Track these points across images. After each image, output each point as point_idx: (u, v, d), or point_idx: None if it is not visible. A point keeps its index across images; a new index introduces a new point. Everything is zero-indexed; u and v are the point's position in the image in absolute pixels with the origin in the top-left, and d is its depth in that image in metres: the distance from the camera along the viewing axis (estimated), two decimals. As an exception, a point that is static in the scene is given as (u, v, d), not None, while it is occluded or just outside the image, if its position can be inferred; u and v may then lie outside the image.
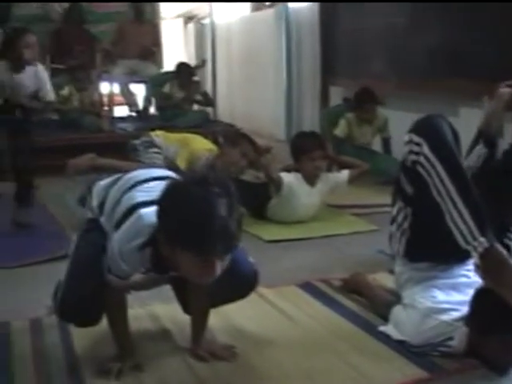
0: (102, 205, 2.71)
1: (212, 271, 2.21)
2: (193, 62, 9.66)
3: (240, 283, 2.70)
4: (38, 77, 5.07)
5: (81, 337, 2.90)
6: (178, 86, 8.00)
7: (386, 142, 6.44)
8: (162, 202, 2.25)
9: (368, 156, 6.08)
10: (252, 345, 2.86)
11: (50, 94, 5.21)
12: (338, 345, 2.85)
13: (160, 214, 2.25)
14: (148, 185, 2.54)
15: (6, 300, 3.48)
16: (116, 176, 2.79)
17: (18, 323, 3.11)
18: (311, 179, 4.86)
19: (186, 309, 2.90)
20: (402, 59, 6.65)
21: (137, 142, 5.13)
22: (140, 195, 2.47)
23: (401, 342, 2.79)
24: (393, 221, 2.94)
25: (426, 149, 2.67)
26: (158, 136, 5.15)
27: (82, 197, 2.92)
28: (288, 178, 4.83)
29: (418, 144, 2.72)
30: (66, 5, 9.15)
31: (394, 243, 2.95)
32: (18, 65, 4.90)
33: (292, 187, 4.82)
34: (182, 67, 8.15)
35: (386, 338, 2.86)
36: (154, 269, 2.49)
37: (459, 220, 2.56)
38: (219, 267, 2.22)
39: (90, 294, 2.54)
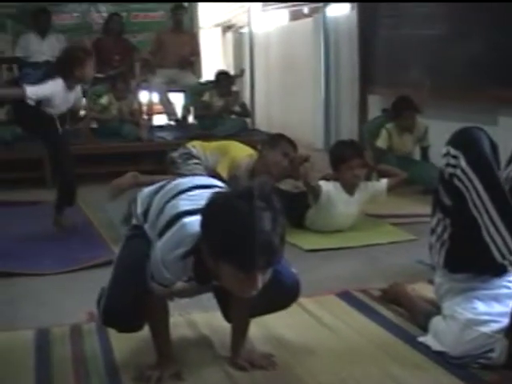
0: (146, 212, 2.73)
1: (253, 285, 2.22)
2: (231, 71, 9.68)
3: (283, 294, 2.69)
4: (77, 92, 5.11)
5: (120, 343, 2.92)
6: (217, 95, 8.02)
7: (425, 151, 6.40)
8: (206, 213, 2.26)
9: (409, 165, 6.05)
10: (290, 354, 2.85)
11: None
12: (377, 354, 2.83)
13: (203, 226, 2.27)
14: (191, 193, 2.55)
15: (46, 306, 3.52)
16: (160, 184, 2.81)
17: (58, 329, 3.14)
18: (350, 188, 4.85)
19: (228, 317, 2.90)
20: (440, 68, 6.61)
21: (175, 154, 5.10)
22: (183, 204, 2.49)
23: (440, 353, 2.77)
24: (432, 232, 2.91)
25: (463, 162, 2.65)
26: (195, 147, 5.12)
27: (126, 216, 2.93)
28: (327, 186, 4.82)
29: (455, 157, 2.70)
30: (105, 15, 9.25)
31: (433, 254, 2.92)
32: (74, 83, 4.92)
33: (330, 196, 4.81)
34: (222, 76, 8.18)
35: (425, 349, 2.83)
36: (197, 278, 2.50)
37: (496, 234, 2.54)
38: (261, 281, 2.22)
39: (132, 301, 2.55)
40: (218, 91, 8.03)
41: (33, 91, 4.69)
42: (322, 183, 4.83)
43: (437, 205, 2.87)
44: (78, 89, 5.10)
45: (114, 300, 2.61)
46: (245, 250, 2.14)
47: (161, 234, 2.46)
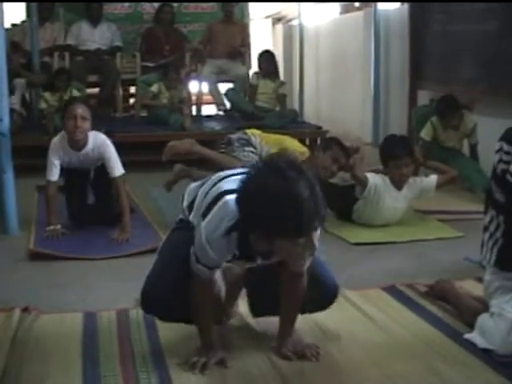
0: (191, 203, 2.76)
1: (310, 247, 2.34)
2: (281, 63, 9.67)
3: (323, 295, 2.80)
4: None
5: (166, 330, 2.95)
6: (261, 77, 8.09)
7: (473, 148, 6.31)
8: (244, 200, 2.33)
9: (455, 159, 6.00)
10: (335, 346, 2.85)
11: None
12: (421, 350, 2.81)
13: (247, 214, 2.32)
14: (235, 177, 2.58)
15: (95, 291, 3.58)
16: (205, 178, 2.84)
17: (105, 313, 3.19)
18: (398, 183, 4.82)
19: (256, 311, 2.96)
20: (492, 64, 6.53)
21: (233, 136, 5.05)
22: (226, 185, 2.53)
23: (487, 351, 2.74)
24: (485, 229, 2.88)
25: None
26: (254, 135, 5.05)
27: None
28: (374, 179, 4.79)
29: (507, 153, 2.67)
30: (156, 4, 9.30)
31: (485, 251, 2.89)
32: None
33: (378, 189, 4.78)
34: (264, 55, 8.20)
35: (471, 346, 2.81)
36: (241, 255, 2.52)
37: None
38: (314, 245, 2.34)
39: (172, 288, 2.61)
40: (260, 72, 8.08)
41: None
42: (370, 175, 4.81)
43: (490, 202, 2.84)
44: None
45: (152, 288, 2.68)
46: (293, 220, 2.23)
47: (204, 215, 2.49)
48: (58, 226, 4.60)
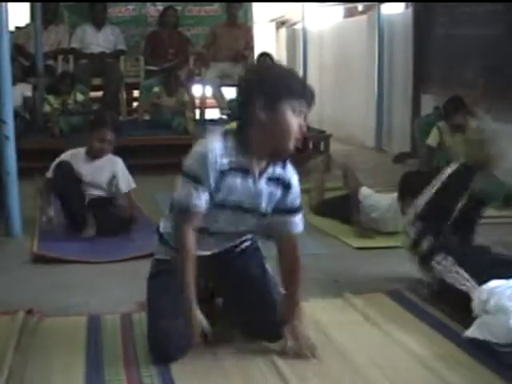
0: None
1: (303, 123, 2.59)
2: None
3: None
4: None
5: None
6: None
7: None
8: (245, 83, 2.67)
9: None
10: (338, 350, 2.85)
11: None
12: (424, 354, 2.81)
13: (249, 90, 2.59)
14: None
15: (98, 294, 3.58)
16: None
17: (109, 317, 3.19)
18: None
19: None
20: (496, 68, 6.53)
21: None
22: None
23: (489, 349, 2.75)
24: None
25: None
26: None
27: None
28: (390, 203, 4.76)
29: None
30: (160, 8, 9.31)
31: None
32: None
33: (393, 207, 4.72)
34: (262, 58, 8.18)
35: (474, 350, 2.81)
36: (240, 158, 2.61)
37: None
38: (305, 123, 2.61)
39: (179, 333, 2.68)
40: None
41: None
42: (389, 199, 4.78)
43: None
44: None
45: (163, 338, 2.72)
46: (297, 81, 2.60)
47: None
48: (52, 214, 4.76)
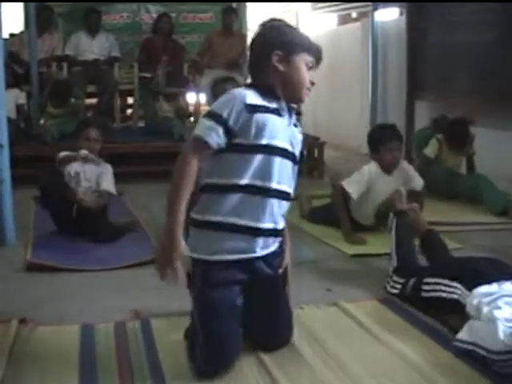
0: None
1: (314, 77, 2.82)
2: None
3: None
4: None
5: (164, 342, 2.96)
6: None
7: (470, 158, 6.31)
8: (262, 35, 2.81)
9: (456, 180, 6.03)
10: (332, 357, 2.84)
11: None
12: (418, 361, 2.81)
13: (269, 41, 2.76)
14: None
15: (92, 302, 3.57)
16: None
17: (103, 326, 3.18)
18: (388, 168, 4.90)
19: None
20: (490, 75, 6.55)
21: None
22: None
23: (482, 358, 2.74)
24: None
25: None
26: None
27: None
28: (368, 166, 4.93)
29: None
30: (155, 15, 9.33)
31: None
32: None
33: (372, 174, 4.88)
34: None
35: (468, 357, 2.80)
36: (269, 100, 2.72)
37: None
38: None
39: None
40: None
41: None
42: (366, 167, 4.93)
43: None
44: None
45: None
46: (308, 40, 2.83)
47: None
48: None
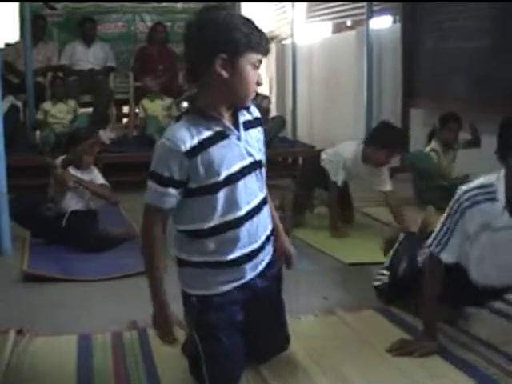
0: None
1: (260, 77, 2.50)
2: (274, 81, 9.67)
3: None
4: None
5: (161, 352, 2.95)
6: None
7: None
8: (205, 40, 2.41)
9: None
10: (329, 367, 2.84)
11: None
12: (415, 371, 2.80)
13: (208, 48, 2.39)
14: None
15: (89, 312, 3.57)
16: None
17: (100, 335, 3.18)
18: (373, 165, 5.14)
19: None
20: (484, 81, 6.57)
21: None
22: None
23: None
24: None
25: None
26: None
27: None
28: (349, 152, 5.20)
29: None
30: (149, 24, 9.34)
31: None
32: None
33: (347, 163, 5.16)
34: None
35: (467, 367, 2.81)
36: (209, 126, 2.48)
37: None
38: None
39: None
40: None
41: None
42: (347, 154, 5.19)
43: None
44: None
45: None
46: (254, 32, 2.42)
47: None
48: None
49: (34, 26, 8.28)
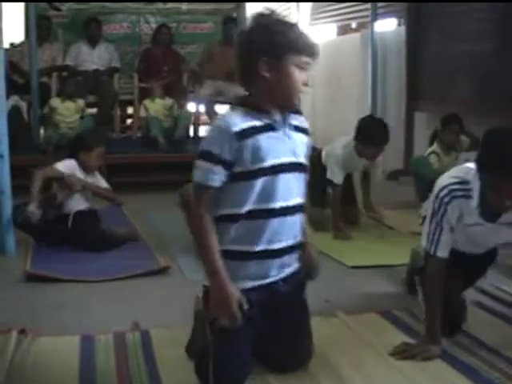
0: None
1: (306, 76, 2.60)
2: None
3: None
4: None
5: (163, 354, 2.96)
6: None
7: None
8: (251, 43, 2.56)
9: None
10: (331, 370, 2.84)
11: None
12: (418, 375, 2.80)
13: (253, 51, 2.54)
14: None
15: (92, 313, 3.58)
16: None
17: (102, 336, 3.18)
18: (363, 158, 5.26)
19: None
20: (489, 85, 6.56)
21: None
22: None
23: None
24: None
25: None
26: None
27: None
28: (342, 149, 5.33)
29: None
30: (154, 26, 9.36)
31: None
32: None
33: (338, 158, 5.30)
34: None
35: (469, 372, 2.81)
36: (260, 117, 2.60)
37: None
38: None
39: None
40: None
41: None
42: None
43: None
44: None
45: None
46: (299, 36, 2.56)
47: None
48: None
49: (39, 27, 8.28)
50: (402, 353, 2.95)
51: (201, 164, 2.54)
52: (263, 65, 2.52)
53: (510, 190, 2.72)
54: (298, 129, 2.72)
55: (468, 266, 3.24)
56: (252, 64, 2.54)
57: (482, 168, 2.80)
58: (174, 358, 2.90)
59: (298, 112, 2.77)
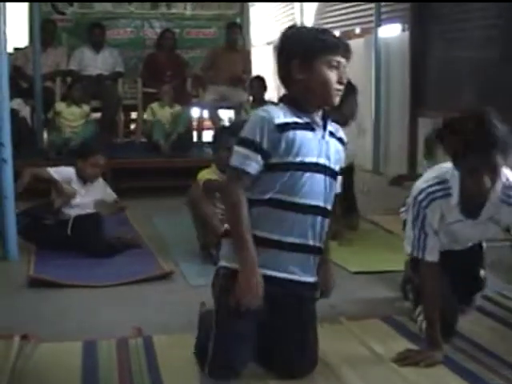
0: None
1: (343, 76, 2.70)
2: (281, 89, 9.64)
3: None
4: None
5: (166, 359, 2.96)
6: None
7: None
8: (283, 46, 2.72)
9: None
10: (334, 375, 2.84)
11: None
12: (421, 381, 2.80)
13: (285, 53, 2.69)
14: None
15: (94, 318, 3.57)
16: None
17: (105, 342, 3.17)
18: None
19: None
20: (493, 91, 6.55)
21: None
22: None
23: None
24: None
25: None
26: None
27: None
28: None
29: None
30: (158, 30, 9.37)
31: None
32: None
33: None
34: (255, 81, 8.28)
35: (471, 377, 2.80)
36: (299, 115, 2.68)
37: None
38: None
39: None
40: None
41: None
42: None
43: None
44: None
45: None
46: (331, 37, 2.69)
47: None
48: None
49: (43, 31, 8.30)
50: (405, 359, 2.95)
51: (239, 149, 2.61)
52: (295, 67, 2.64)
53: (487, 163, 2.75)
54: (334, 136, 2.80)
55: (454, 264, 3.23)
56: (286, 69, 2.68)
57: (455, 158, 2.85)
58: (177, 362, 2.91)
59: (337, 122, 2.84)
